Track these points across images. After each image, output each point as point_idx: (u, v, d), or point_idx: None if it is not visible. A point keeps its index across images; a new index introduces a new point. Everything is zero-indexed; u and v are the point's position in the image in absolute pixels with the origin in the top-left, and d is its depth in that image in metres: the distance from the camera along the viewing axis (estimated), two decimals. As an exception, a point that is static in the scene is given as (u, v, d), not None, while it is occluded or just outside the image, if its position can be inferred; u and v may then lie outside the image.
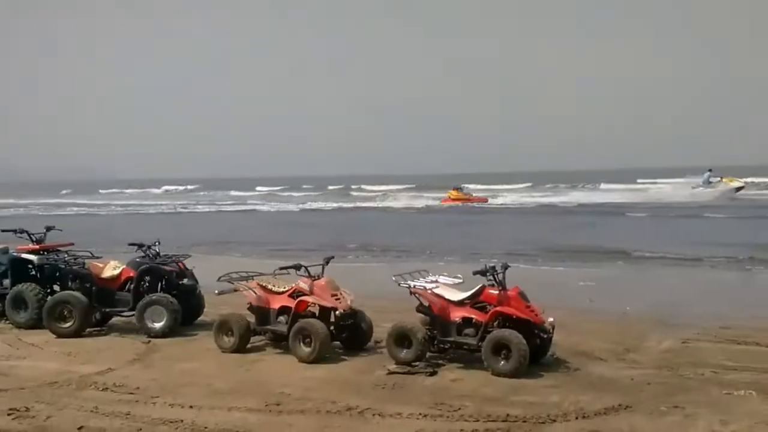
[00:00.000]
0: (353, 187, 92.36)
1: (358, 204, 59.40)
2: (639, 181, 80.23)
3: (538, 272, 17.34)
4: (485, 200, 57.55)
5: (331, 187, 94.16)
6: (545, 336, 8.58)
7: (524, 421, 6.69)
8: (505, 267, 8.90)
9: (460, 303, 8.92)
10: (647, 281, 16.41)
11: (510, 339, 8.19)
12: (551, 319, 8.65)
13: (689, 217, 36.47)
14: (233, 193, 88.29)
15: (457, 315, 8.89)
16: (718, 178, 55.30)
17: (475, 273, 8.81)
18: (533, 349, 8.38)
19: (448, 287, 9.17)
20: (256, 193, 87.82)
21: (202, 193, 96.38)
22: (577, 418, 6.77)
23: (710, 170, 56.86)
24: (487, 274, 8.76)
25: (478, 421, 6.73)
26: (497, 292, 8.65)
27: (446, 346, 8.98)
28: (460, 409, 7.06)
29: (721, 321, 11.12)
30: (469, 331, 8.81)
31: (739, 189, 53.76)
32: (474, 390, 7.72)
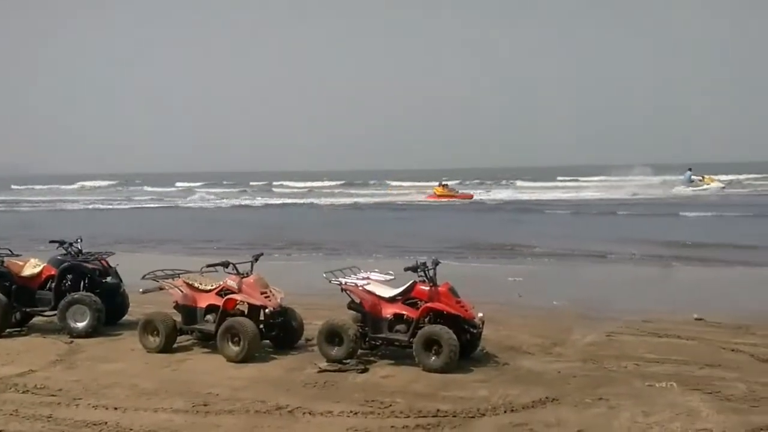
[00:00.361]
0: (275, 183, 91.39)
1: (285, 200, 58.92)
2: (558, 178, 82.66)
3: (468, 268, 17.58)
4: (470, 197, 56.81)
5: (253, 183, 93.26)
6: (475, 331, 8.71)
7: (454, 416, 6.77)
8: (436, 263, 9.00)
9: (392, 299, 8.96)
10: (574, 277, 16.85)
11: (440, 334, 8.28)
12: (481, 314, 8.79)
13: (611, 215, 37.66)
14: (150, 189, 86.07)
15: (388, 311, 8.93)
16: (699, 177, 56.63)
17: (407, 269, 8.88)
18: (463, 344, 8.50)
19: (380, 284, 9.21)
20: (176, 188, 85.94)
21: (119, 188, 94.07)
22: (505, 411, 6.90)
23: (690, 169, 57.89)
24: (418, 270, 8.84)
25: (408, 417, 6.78)
26: (428, 288, 8.73)
27: (377, 343, 9.01)
28: (390, 405, 7.10)
29: (643, 315, 11.53)
30: (400, 327, 8.86)
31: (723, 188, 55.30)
32: (405, 386, 7.77)
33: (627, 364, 8.59)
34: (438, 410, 6.92)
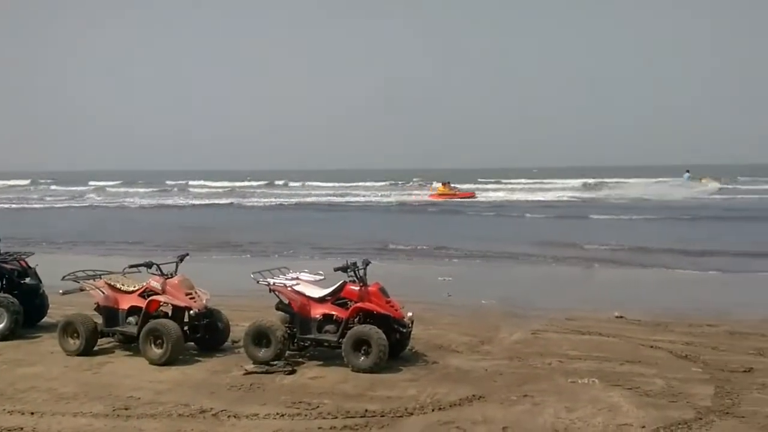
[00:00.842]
0: (192, 183, 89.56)
1: (205, 201, 57.90)
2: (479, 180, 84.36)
3: (399, 268, 17.69)
4: (473, 195, 57.30)
5: (169, 182, 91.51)
6: (405, 330, 8.76)
7: (382, 416, 6.79)
8: (366, 263, 9.01)
9: (321, 300, 8.92)
10: (502, 276, 17.16)
11: (370, 334, 8.29)
12: (410, 314, 8.85)
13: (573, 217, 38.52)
14: (61, 188, 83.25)
15: (317, 312, 8.89)
16: (698, 179, 58.82)
17: (336, 269, 8.85)
18: (393, 344, 8.53)
19: (309, 284, 9.15)
20: (90, 187, 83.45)
21: (31, 187, 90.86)
22: (433, 410, 6.96)
23: (688, 171, 60.16)
24: (349, 270, 8.83)
25: (336, 418, 6.76)
26: (358, 288, 8.73)
27: (306, 344, 8.96)
28: (318, 407, 7.06)
29: (567, 313, 11.85)
30: (329, 327, 8.83)
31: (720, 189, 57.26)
32: (333, 387, 7.75)
33: (551, 361, 8.79)
34: (366, 410, 6.93)
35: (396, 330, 8.65)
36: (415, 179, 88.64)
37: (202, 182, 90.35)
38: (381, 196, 63.92)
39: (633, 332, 10.43)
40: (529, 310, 12.21)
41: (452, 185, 60.25)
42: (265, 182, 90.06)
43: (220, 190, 76.43)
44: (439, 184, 60.52)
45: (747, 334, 10.29)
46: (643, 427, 6.43)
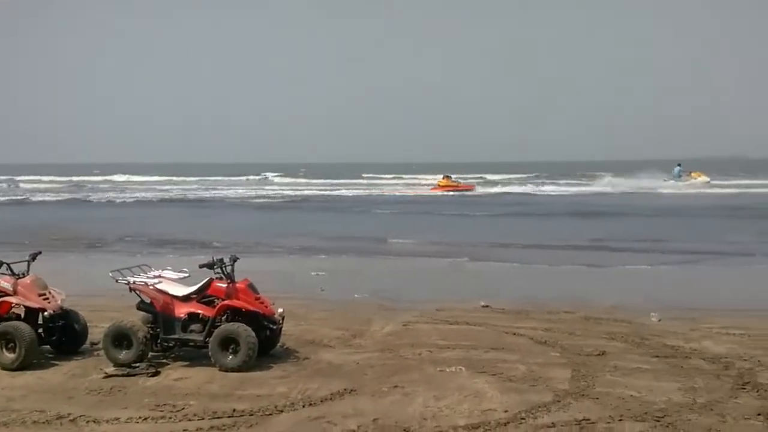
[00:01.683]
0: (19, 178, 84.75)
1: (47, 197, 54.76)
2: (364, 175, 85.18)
3: (270, 263, 17.50)
4: (472, 188, 58.52)
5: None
6: (275, 327, 8.66)
7: (251, 415, 6.69)
8: (234, 259, 8.83)
9: (186, 298, 8.66)
10: (374, 270, 17.34)
11: (238, 332, 8.15)
12: (281, 310, 8.77)
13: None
14: None
15: (182, 311, 8.62)
16: (687, 173, 60.06)
17: (202, 266, 8.62)
18: (263, 341, 8.42)
19: (173, 282, 8.86)
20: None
21: None
22: (304, 406, 6.93)
23: (679, 164, 60.90)
24: (215, 267, 8.62)
25: (203, 419, 6.59)
26: (225, 285, 8.55)
27: (171, 344, 8.67)
28: (183, 408, 6.86)
29: (437, 304, 12.16)
30: (195, 327, 8.59)
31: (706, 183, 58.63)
32: (199, 387, 7.55)
33: (421, 351, 8.98)
34: (234, 410, 6.80)
35: (266, 327, 8.55)
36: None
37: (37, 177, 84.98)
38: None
39: (498, 320, 10.84)
40: (401, 303, 12.43)
41: (453, 178, 61.99)
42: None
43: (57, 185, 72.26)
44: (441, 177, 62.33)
45: (600, 319, 10.95)
46: (506, 411, 6.70)
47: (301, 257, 19.41)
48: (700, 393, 7.22)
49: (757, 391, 7.27)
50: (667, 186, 56.93)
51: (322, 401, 7.10)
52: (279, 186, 73.21)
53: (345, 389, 7.42)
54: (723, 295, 13.40)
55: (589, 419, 6.48)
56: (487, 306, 11.95)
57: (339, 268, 17.29)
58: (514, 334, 9.94)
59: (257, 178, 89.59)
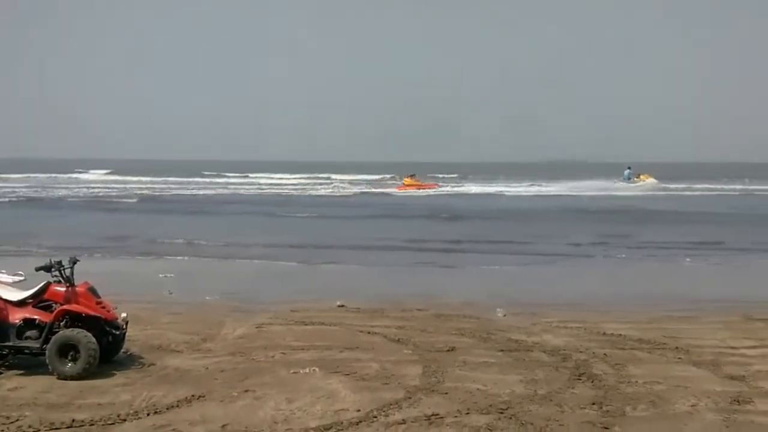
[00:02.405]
0: None
1: None
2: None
3: (115, 265, 16.74)
4: (436, 186, 63.27)
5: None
6: (118, 333, 8.29)
7: (92, 425, 6.37)
8: (74, 261, 8.36)
9: (21, 303, 8.12)
10: (227, 272, 17.02)
11: (78, 339, 7.73)
12: (125, 314, 8.41)
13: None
14: None
15: (16, 317, 8.07)
16: (636, 175, 62.17)
17: (38, 269, 8.11)
18: (105, 348, 8.05)
19: (6, 286, 8.28)
20: None
21: None
22: (149, 414, 6.68)
23: (629, 167, 63.51)
24: (53, 270, 8.13)
25: (39, 430, 6.21)
26: (64, 288, 8.09)
27: (4, 352, 8.10)
28: (18, 420, 6.45)
29: (292, 305, 12.11)
30: (31, 333, 8.06)
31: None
32: (36, 397, 7.10)
33: (274, 353, 8.91)
34: (73, 420, 6.45)
35: (108, 332, 8.16)
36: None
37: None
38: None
39: (353, 320, 10.96)
40: (255, 304, 12.28)
41: (416, 177, 65.85)
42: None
43: None
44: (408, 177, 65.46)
45: (451, 316, 11.34)
46: (359, 410, 6.78)
47: (149, 259, 18.71)
48: (540, 384, 7.64)
49: (592, 381, 7.79)
50: (617, 188, 60.03)
51: (168, 409, 6.87)
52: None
53: (193, 395, 7.23)
54: (563, 291, 14.24)
55: (438, 414, 6.69)
56: (342, 306, 12.05)
57: (189, 270, 16.81)
58: (369, 332, 10.08)
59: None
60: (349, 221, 32.04)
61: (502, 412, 6.76)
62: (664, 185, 62.68)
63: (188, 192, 56.27)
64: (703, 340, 9.77)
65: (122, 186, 65.69)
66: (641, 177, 64.65)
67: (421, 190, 59.63)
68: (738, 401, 7.16)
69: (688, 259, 19.27)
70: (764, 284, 15.74)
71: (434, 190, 61.15)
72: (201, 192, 56.23)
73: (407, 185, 61.90)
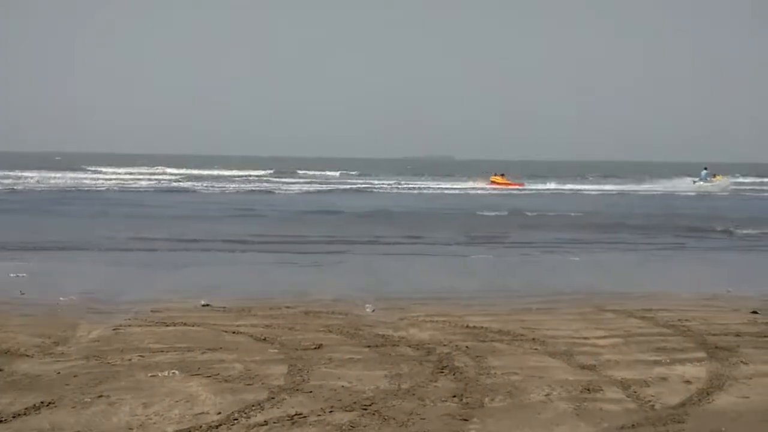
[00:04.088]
0: None
1: None
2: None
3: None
4: (522, 185, 65.80)
5: None
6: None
7: (-76, 441, 5.95)
8: None
9: None
10: (85, 270, 16.26)
11: None
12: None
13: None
14: None
15: None
16: (712, 175, 66.82)
17: None
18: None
19: None
20: None
21: None
22: (-8, 424, 6.32)
23: (706, 168, 68.13)
24: None
25: None
26: None
27: None
28: None
29: (153, 305, 11.74)
30: None
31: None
32: None
33: (132, 356, 8.61)
34: None
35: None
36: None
37: None
38: None
39: (218, 319, 10.77)
40: (114, 305, 11.81)
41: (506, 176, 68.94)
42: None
43: None
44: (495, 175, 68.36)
45: (319, 312, 11.37)
46: (219, 413, 6.70)
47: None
48: (404, 379, 7.83)
49: (454, 374, 8.06)
50: (694, 187, 65.23)
51: (14, 417, 6.51)
52: None
53: (42, 402, 6.88)
54: (429, 285, 14.61)
55: (301, 413, 6.72)
56: (207, 305, 11.81)
57: (44, 269, 15.92)
58: (234, 332, 9.94)
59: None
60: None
61: (365, 409, 6.87)
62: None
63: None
64: (558, 330, 10.32)
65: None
66: (716, 177, 70.53)
67: (506, 188, 63.23)
68: (588, 390, 7.63)
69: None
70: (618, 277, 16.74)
71: (519, 188, 64.71)
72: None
73: (499, 183, 65.54)
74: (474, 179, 74.25)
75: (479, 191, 59.36)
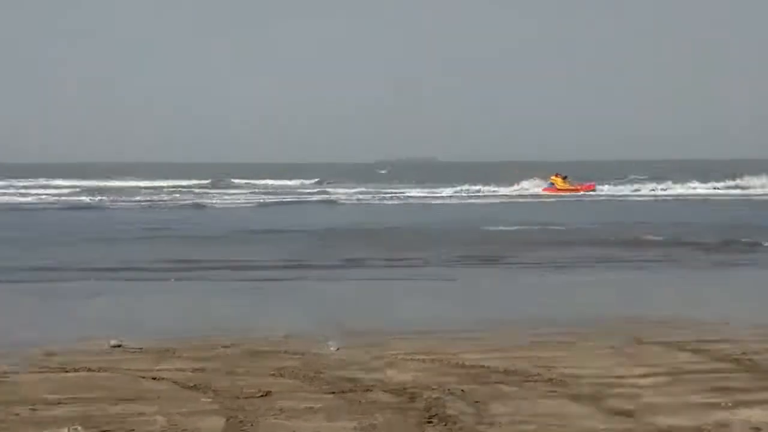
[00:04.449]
0: None
1: None
2: None
3: None
4: (591, 187, 69.45)
5: None
6: None
7: None
8: None
9: None
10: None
11: None
12: None
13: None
14: None
15: None
16: None
17: None
18: None
19: None
20: None
21: None
22: None
23: None
24: None
25: None
26: None
27: None
28: None
29: (48, 346, 11.68)
30: None
31: None
32: None
33: (21, 410, 8.55)
34: None
35: None
36: None
37: None
38: None
39: (132, 363, 10.73)
40: (-1, 347, 11.75)
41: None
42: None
43: None
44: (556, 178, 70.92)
45: (268, 353, 11.37)
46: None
47: None
48: (380, 431, 7.83)
49: (445, 425, 8.06)
50: None
51: None
52: None
53: None
54: (406, 315, 14.68)
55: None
56: (118, 345, 11.77)
57: None
58: (154, 378, 9.91)
59: None
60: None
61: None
62: None
63: None
64: (584, 369, 10.38)
65: None
66: None
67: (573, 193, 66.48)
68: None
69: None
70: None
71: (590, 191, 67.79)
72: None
73: (559, 189, 68.00)
74: (517, 183, 74.32)
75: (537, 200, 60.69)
